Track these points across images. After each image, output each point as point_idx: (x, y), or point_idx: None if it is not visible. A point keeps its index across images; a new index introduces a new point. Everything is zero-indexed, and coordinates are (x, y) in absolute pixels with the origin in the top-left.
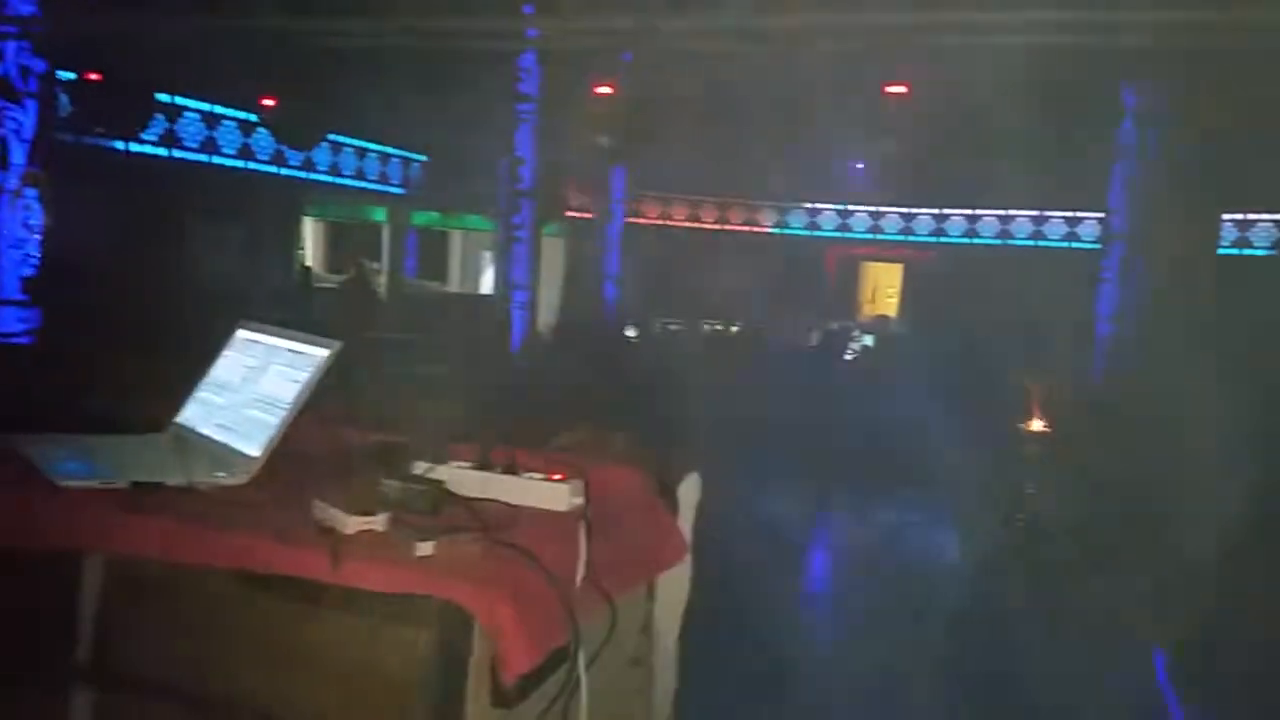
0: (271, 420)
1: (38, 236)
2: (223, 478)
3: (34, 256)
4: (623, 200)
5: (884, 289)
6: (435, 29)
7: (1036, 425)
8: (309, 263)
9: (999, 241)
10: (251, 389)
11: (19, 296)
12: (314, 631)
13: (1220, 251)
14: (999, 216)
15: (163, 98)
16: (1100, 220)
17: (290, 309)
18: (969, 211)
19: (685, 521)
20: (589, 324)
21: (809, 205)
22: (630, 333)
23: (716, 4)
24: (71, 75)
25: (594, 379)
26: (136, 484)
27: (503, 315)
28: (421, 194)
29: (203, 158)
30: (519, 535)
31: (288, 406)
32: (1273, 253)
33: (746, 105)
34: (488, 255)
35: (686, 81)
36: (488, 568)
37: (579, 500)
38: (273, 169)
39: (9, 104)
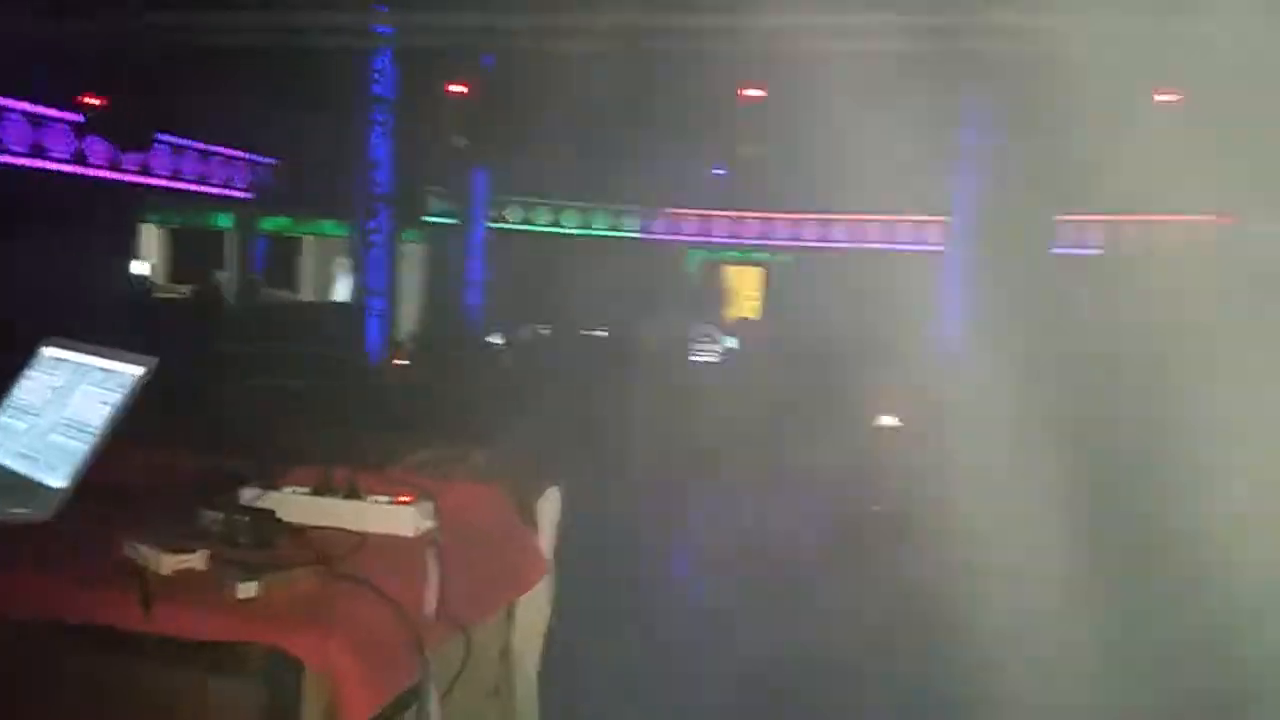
0: (79, 447)
1: None
2: (23, 514)
3: None
4: (484, 205)
5: (745, 292)
6: (277, 24)
7: (888, 420)
8: (147, 272)
9: (851, 245)
10: (57, 413)
11: None
12: (125, 687)
13: (1057, 251)
14: (850, 221)
15: None
16: (943, 224)
17: (126, 322)
18: (823, 216)
19: (545, 539)
20: (450, 333)
21: (671, 210)
22: (496, 339)
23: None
24: None
25: (455, 389)
26: None
27: (359, 325)
28: (271, 199)
29: (26, 162)
30: (361, 565)
31: (97, 431)
32: (1102, 252)
33: (608, 109)
34: (342, 262)
35: (546, 85)
36: (321, 606)
37: (428, 523)
38: (107, 174)
39: None
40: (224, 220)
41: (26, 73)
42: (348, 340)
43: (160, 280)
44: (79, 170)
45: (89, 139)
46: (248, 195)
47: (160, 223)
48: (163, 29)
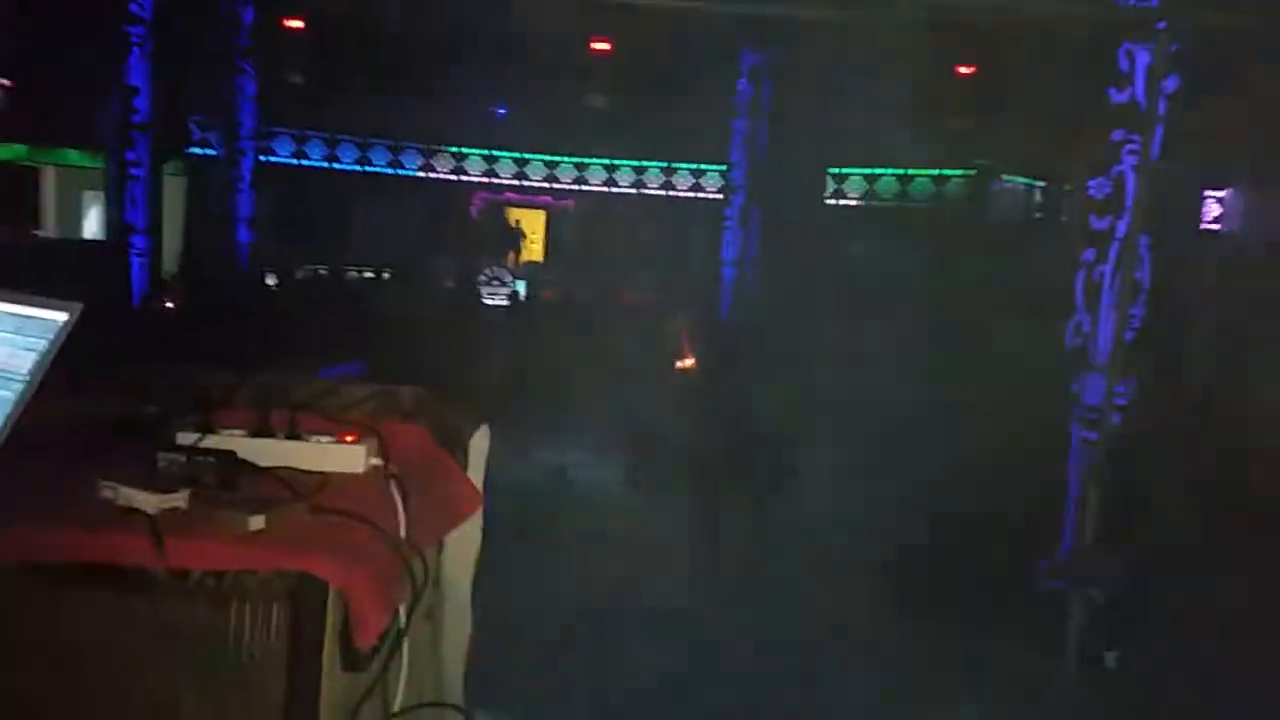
0: (7, 395)
1: None
2: None
3: None
4: (253, 137)
5: (530, 234)
6: None
7: (685, 362)
8: None
9: (633, 191)
10: None
11: None
12: (144, 623)
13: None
14: (634, 167)
15: None
16: (722, 173)
17: None
18: (607, 161)
19: (476, 473)
20: (223, 272)
21: (454, 149)
22: (270, 280)
23: None
24: None
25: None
26: None
27: (120, 265)
28: (7, 124)
29: None
30: (336, 499)
31: (25, 378)
32: (862, 203)
33: (389, 42)
34: (89, 196)
35: (328, 7)
36: (325, 535)
37: (376, 460)
38: None
39: None
40: None
41: None
42: (107, 280)
43: None
44: None
45: None
46: None
47: None
48: None
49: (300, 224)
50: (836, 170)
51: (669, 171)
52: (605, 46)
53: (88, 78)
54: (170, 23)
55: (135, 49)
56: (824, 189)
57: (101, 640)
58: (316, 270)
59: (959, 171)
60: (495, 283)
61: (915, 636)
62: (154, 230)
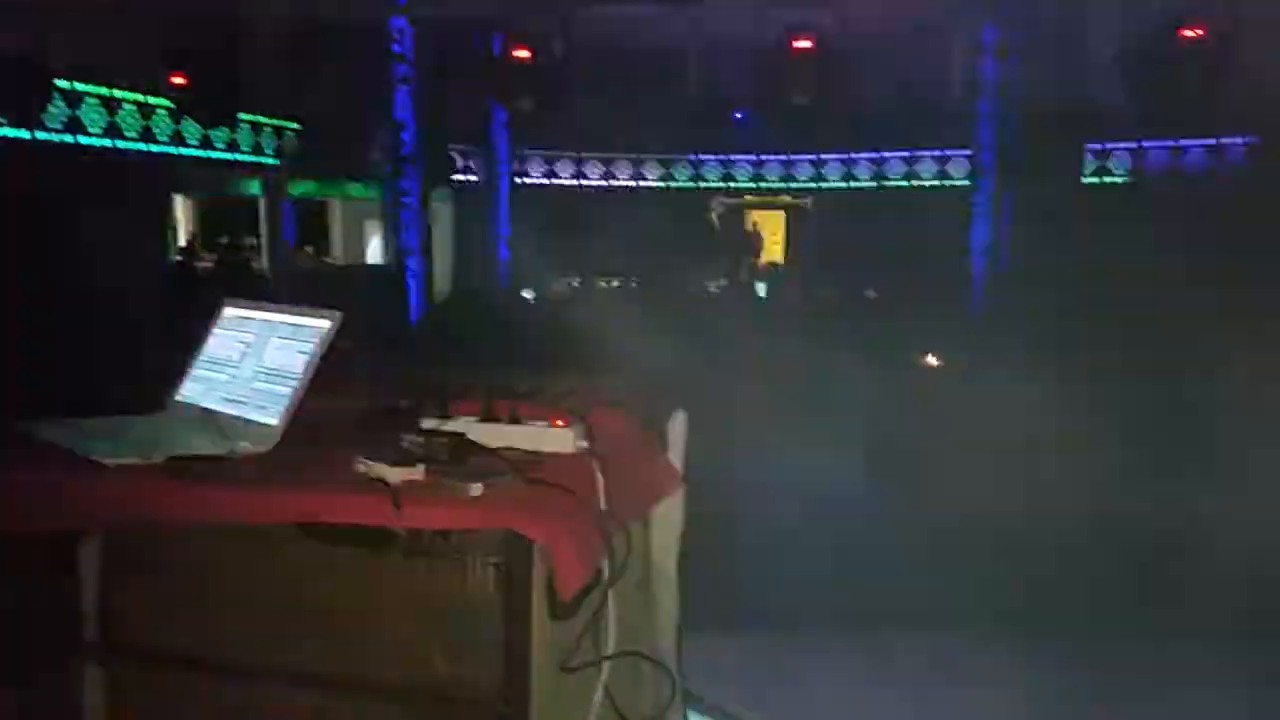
0: (284, 391)
1: None
2: (248, 447)
3: None
4: (508, 161)
5: (769, 236)
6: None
7: (931, 360)
8: (184, 242)
9: (874, 184)
10: (254, 363)
11: None
12: (389, 576)
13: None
14: (872, 159)
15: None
16: (969, 157)
17: (172, 292)
18: (845, 155)
19: (676, 455)
20: (485, 289)
21: (692, 157)
22: (527, 294)
23: None
24: None
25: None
26: (173, 458)
27: (397, 285)
28: (299, 164)
29: (68, 138)
30: (546, 475)
31: (298, 376)
32: (1129, 180)
33: (621, 60)
34: (372, 224)
35: (569, 39)
36: (533, 501)
37: (584, 442)
38: (140, 147)
39: None
40: (254, 187)
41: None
42: (388, 301)
43: (196, 249)
44: (111, 144)
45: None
46: (275, 161)
47: (191, 193)
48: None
49: (553, 239)
50: (1099, 146)
51: (911, 160)
52: (808, 45)
53: (362, 116)
54: (430, 59)
55: (400, 86)
56: (1082, 166)
57: (353, 592)
58: (570, 283)
59: (1239, 139)
60: (736, 285)
61: None
62: (425, 253)
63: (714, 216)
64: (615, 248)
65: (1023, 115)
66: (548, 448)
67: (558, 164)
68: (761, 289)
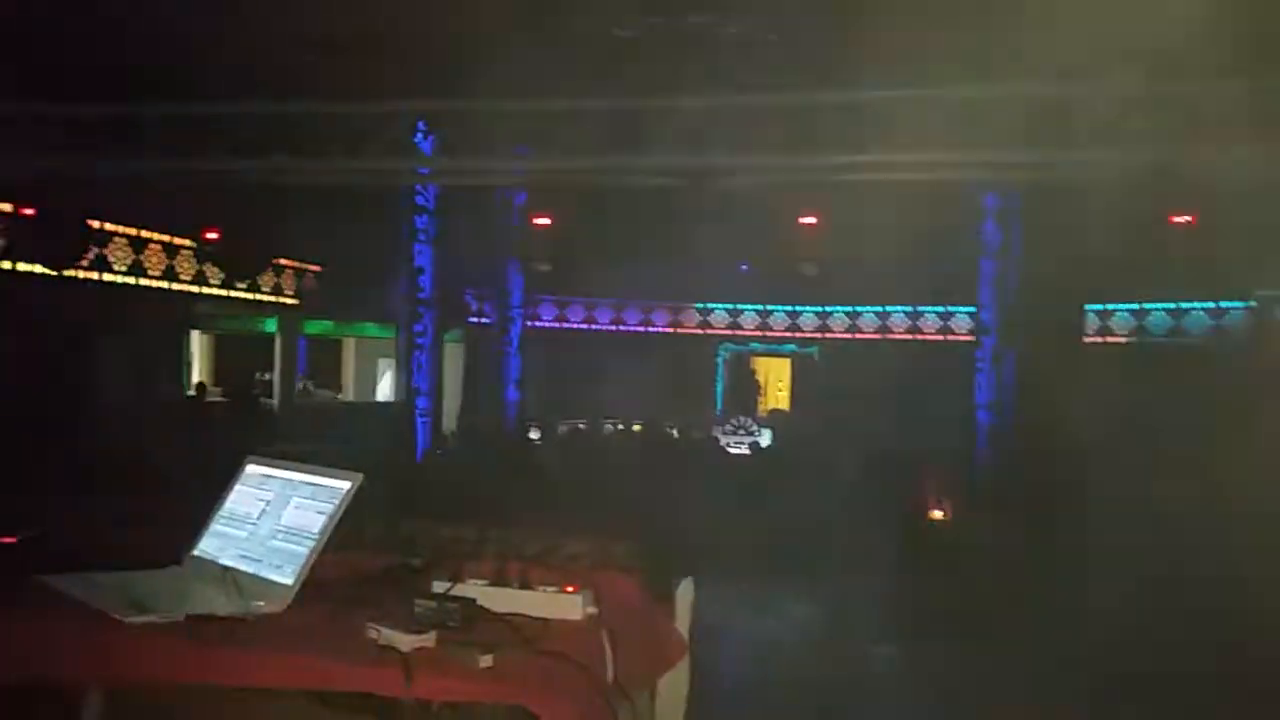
0: (300, 550)
1: None
2: (263, 606)
3: None
4: (521, 304)
5: (774, 383)
6: (349, 168)
7: (936, 514)
8: (199, 376)
9: (878, 336)
10: (273, 521)
11: None
12: None
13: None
14: (877, 312)
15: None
16: (971, 314)
17: (183, 426)
18: (850, 307)
19: (683, 622)
20: (492, 430)
21: (700, 305)
22: (533, 434)
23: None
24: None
25: (498, 482)
26: (191, 617)
27: (406, 424)
28: (317, 303)
29: (91, 275)
30: (553, 644)
31: (315, 537)
32: (1132, 339)
33: (639, 212)
34: (383, 363)
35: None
36: (543, 674)
37: (593, 609)
38: (161, 283)
39: None
40: (269, 325)
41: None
42: (395, 438)
43: (210, 383)
44: (134, 280)
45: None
46: (294, 300)
47: (209, 328)
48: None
49: (561, 382)
50: (1099, 306)
51: (915, 315)
52: (813, 220)
53: (382, 260)
54: (450, 210)
55: (421, 235)
56: (1083, 326)
57: None
58: (576, 424)
59: (1239, 304)
60: (740, 432)
61: None
62: (435, 393)
63: (721, 363)
64: (623, 391)
65: (1023, 276)
66: (557, 614)
67: (569, 308)
68: (766, 437)
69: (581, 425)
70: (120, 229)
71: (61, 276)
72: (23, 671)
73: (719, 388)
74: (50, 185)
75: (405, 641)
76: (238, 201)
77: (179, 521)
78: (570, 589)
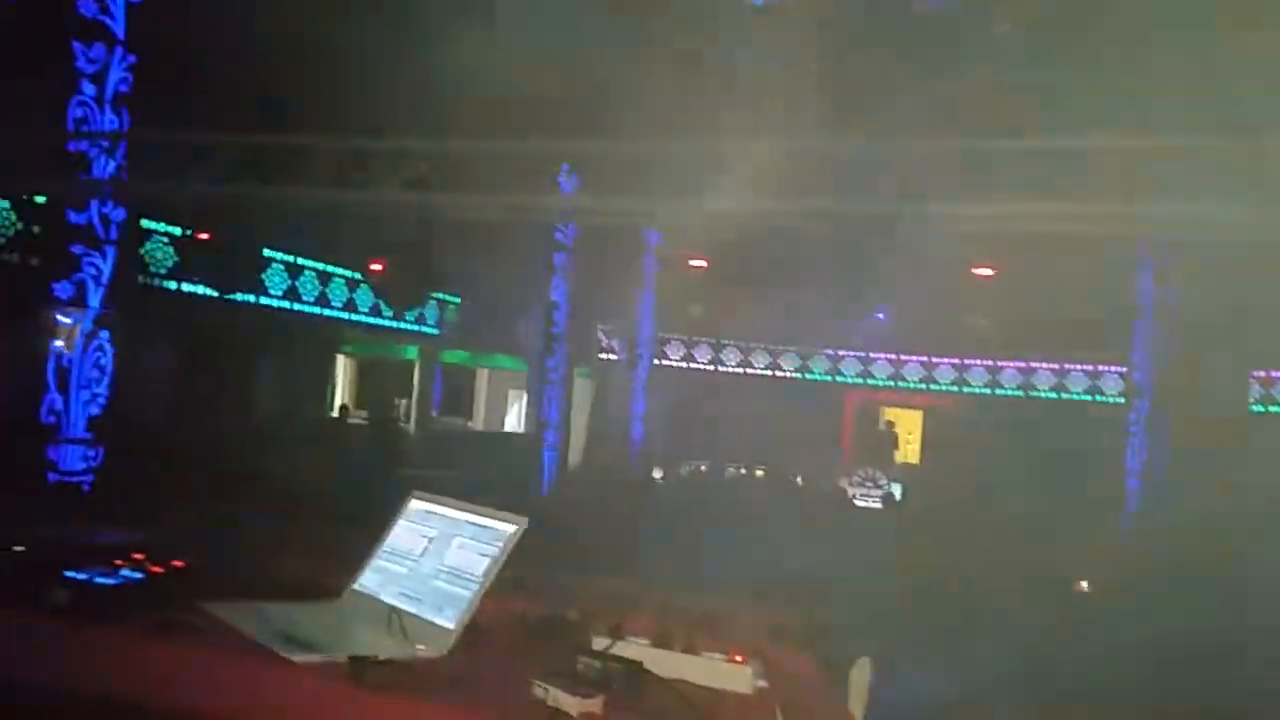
0: (463, 593)
1: (107, 377)
2: (424, 650)
3: (102, 396)
4: (649, 343)
5: (904, 435)
6: (500, 203)
7: (1082, 584)
8: (342, 400)
9: (1020, 393)
10: (435, 560)
11: (85, 435)
12: None
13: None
14: (1020, 369)
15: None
16: (1122, 375)
17: (328, 446)
18: (990, 362)
19: (857, 704)
20: (616, 466)
21: (830, 351)
22: (656, 474)
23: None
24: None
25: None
26: (353, 658)
27: (535, 455)
28: (455, 334)
29: (250, 298)
30: (726, 718)
31: (479, 580)
32: None
33: (770, 257)
34: (511, 394)
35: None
36: None
37: (763, 683)
38: (315, 309)
39: (90, 250)
40: (410, 352)
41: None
42: (523, 469)
43: (352, 406)
44: (287, 305)
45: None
46: (434, 331)
47: (354, 353)
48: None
49: (685, 421)
50: (1262, 373)
51: (1060, 373)
52: (989, 272)
53: (519, 295)
54: (588, 248)
55: (559, 271)
56: (1247, 394)
57: None
58: (698, 465)
59: None
60: (869, 484)
61: None
62: (563, 427)
63: (851, 412)
64: (746, 435)
65: (1183, 338)
66: (724, 684)
67: (696, 349)
68: (898, 491)
69: (703, 467)
70: (280, 256)
71: (223, 298)
72: (184, 699)
73: (846, 437)
74: (223, 212)
75: (573, 704)
76: (401, 235)
77: (332, 550)
78: (739, 658)
